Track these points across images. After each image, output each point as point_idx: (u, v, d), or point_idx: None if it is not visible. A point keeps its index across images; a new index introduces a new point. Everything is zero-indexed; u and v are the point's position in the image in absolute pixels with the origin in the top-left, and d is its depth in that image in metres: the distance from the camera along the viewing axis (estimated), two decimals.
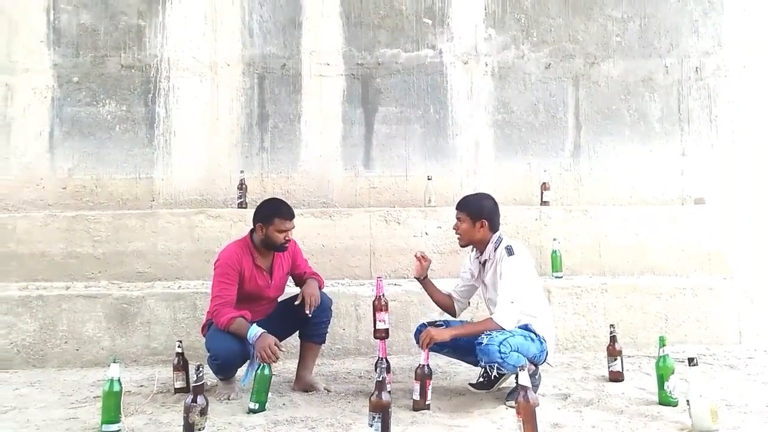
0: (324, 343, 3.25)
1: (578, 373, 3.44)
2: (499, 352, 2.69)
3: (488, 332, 2.77)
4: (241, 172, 4.47)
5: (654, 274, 4.35)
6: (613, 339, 3.24)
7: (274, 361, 2.74)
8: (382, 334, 3.01)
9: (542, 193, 4.59)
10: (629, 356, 3.61)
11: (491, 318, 2.85)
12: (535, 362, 2.91)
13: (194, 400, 2.25)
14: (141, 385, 3.24)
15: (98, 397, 2.63)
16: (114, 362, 2.57)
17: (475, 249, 3.09)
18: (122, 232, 4.22)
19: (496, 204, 3.08)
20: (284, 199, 3.22)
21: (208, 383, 3.13)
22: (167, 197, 4.58)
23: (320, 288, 3.20)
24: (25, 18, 4.62)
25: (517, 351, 2.75)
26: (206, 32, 4.68)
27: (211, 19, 4.68)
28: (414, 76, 4.81)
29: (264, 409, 2.77)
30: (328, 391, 3.12)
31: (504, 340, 2.72)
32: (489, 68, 4.85)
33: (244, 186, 4.42)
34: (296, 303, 3.04)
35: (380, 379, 2.32)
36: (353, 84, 4.78)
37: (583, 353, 3.88)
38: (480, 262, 3.09)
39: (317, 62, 4.74)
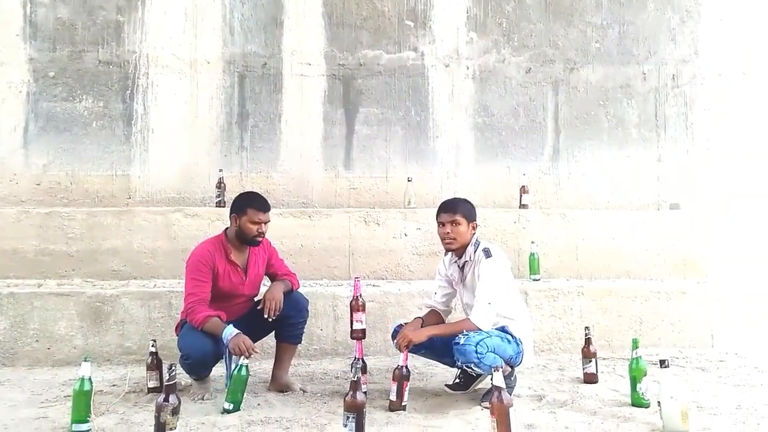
0: (300, 343, 3.24)
1: (553, 374, 3.47)
2: (476, 352, 2.71)
3: (465, 333, 2.78)
4: (220, 170, 4.44)
5: (629, 278, 4.40)
6: (588, 341, 3.27)
7: (248, 356, 2.71)
8: (359, 335, 3.02)
9: (521, 196, 4.62)
10: (604, 358, 3.65)
11: (468, 319, 2.87)
12: (511, 364, 2.93)
13: (166, 399, 2.22)
14: (114, 385, 3.19)
15: (69, 396, 2.59)
16: (85, 361, 2.53)
17: (452, 253, 3.09)
18: (97, 230, 4.15)
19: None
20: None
21: (182, 383, 3.10)
22: (144, 195, 4.52)
23: (295, 288, 3.18)
24: (1, 11, 4.53)
25: (493, 352, 2.77)
26: (186, 29, 4.63)
27: (191, 15, 4.64)
28: (395, 78, 4.81)
29: (239, 410, 2.75)
30: (303, 391, 3.11)
31: (481, 340, 2.74)
32: (470, 71, 4.87)
33: (222, 185, 4.38)
34: (258, 308, 3.00)
35: (355, 379, 2.31)
36: (334, 84, 4.77)
37: (559, 355, 3.92)
38: (458, 266, 3.09)
39: (298, 62, 4.72)
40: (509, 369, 2.93)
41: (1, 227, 4.12)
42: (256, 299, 3.20)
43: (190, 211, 4.26)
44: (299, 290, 3.23)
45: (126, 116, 4.57)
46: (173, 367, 2.30)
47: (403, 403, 2.81)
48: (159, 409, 2.23)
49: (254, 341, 2.85)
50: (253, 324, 3.04)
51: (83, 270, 4.11)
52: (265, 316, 2.94)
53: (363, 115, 4.77)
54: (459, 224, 2.98)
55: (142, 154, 4.55)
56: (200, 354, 2.84)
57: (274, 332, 3.20)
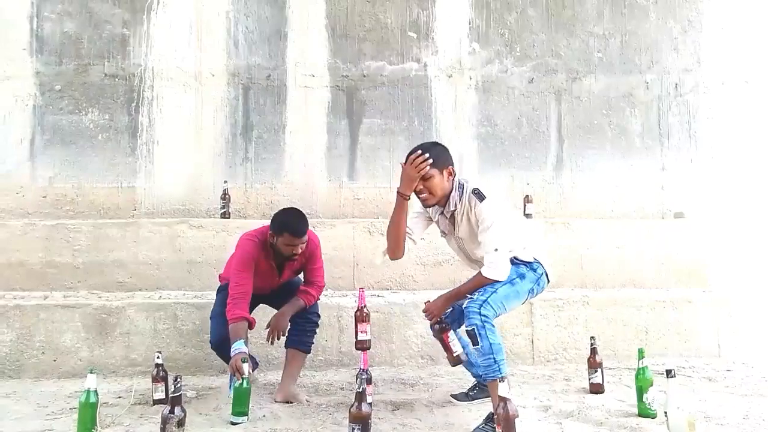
0: (308, 352, 3.26)
1: (559, 385, 3.46)
2: (480, 314, 2.52)
3: (471, 295, 2.62)
4: (225, 182, 4.46)
5: (635, 287, 4.39)
6: (593, 351, 3.26)
7: (239, 378, 2.74)
8: (363, 345, 3.00)
9: (525, 205, 4.62)
10: (610, 368, 3.63)
11: (480, 273, 2.65)
12: (537, 293, 2.78)
13: (171, 411, 2.23)
14: (119, 397, 3.19)
15: (75, 408, 2.59)
16: (91, 373, 2.53)
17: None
18: (103, 242, 4.17)
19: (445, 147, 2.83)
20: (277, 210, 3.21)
21: (187, 395, 3.11)
22: (149, 207, 4.55)
23: (309, 304, 3.22)
24: (8, 25, 4.59)
25: (503, 309, 2.60)
26: (191, 42, 4.68)
27: (196, 29, 4.69)
28: (399, 89, 4.84)
29: (246, 419, 2.76)
30: (309, 402, 3.10)
31: (485, 301, 2.55)
32: (473, 82, 4.89)
33: (227, 196, 4.40)
34: (265, 328, 3.11)
35: (360, 390, 2.31)
36: (338, 96, 4.80)
37: (565, 365, 3.90)
38: (447, 217, 2.82)
39: (302, 73, 4.76)
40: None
41: (8, 239, 4.14)
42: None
43: (195, 222, 4.27)
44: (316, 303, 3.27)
45: (131, 129, 4.61)
46: (179, 379, 2.30)
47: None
48: (164, 421, 2.23)
49: (278, 306, 3.16)
50: (280, 295, 3.24)
51: (89, 282, 4.12)
52: (267, 340, 3.07)
53: (366, 126, 4.80)
54: (431, 177, 2.66)
55: (148, 166, 4.58)
56: (218, 339, 3.04)
57: (284, 340, 3.20)
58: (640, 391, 2.84)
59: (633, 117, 4.93)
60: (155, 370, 3.04)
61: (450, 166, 2.74)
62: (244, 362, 2.76)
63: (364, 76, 4.81)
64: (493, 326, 2.55)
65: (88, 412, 2.49)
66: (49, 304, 3.74)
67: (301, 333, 3.17)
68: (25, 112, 4.53)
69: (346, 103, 4.80)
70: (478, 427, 2.57)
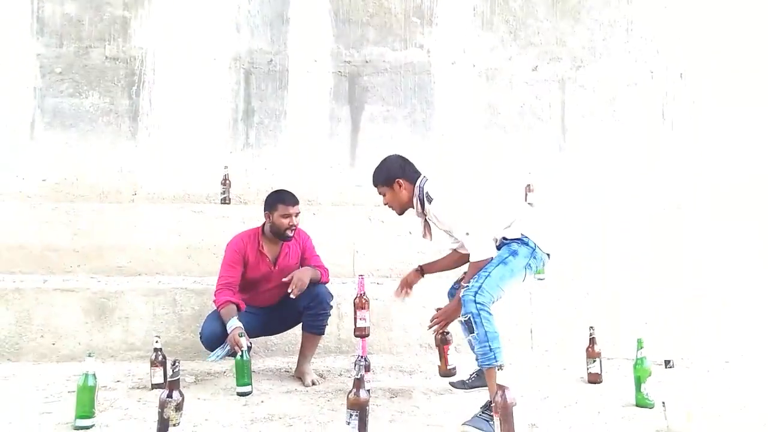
0: (322, 335, 3.30)
1: (558, 374, 3.46)
2: (475, 302, 2.54)
3: (466, 283, 2.65)
4: (225, 167, 4.43)
5: (634, 279, 4.37)
6: (592, 341, 3.26)
7: (240, 350, 2.89)
8: (362, 332, 3.02)
9: (526, 194, 4.59)
10: (608, 358, 3.62)
11: (472, 262, 2.72)
12: (536, 268, 2.77)
13: (170, 395, 2.22)
14: (118, 381, 3.20)
15: (73, 391, 2.59)
16: (89, 356, 2.53)
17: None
18: (102, 226, 4.16)
19: (401, 157, 2.96)
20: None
21: (185, 380, 3.11)
22: (149, 191, 4.53)
23: (323, 281, 3.30)
24: (9, 7, 4.54)
25: (500, 289, 2.60)
26: (193, 25, 4.63)
27: (197, 12, 4.64)
28: (401, 75, 4.80)
29: (251, 390, 2.97)
30: (313, 383, 3.17)
31: (479, 287, 2.56)
32: (476, 69, 4.85)
33: (227, 181, 4.39)
34: (284, 279, 3.13)
35: (358, 376, 2.31)
36: (340, 81, 4.76)
37: (563, 355, 3.89)
38: (420, 217, 2.95)
39: (304, 59, 4.72)
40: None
41: (7, 222, 4.13)
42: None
43: (195, 207, 4.26)
44: (324, 287, 3.29)
45: (132, 112, 4.58)
46: (177, 363, 2.30)
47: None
48: (162, 405, 2.23)
49: (281, 331, 3.41)
50: (281, 314, 3.30)
51: (88, 266, 4.11)
52: (288, 290, 3.07)
53: (368, 113, 4.76)
54: (384, 194, 2.91)
55: (148, 150, 4.56)
56: (209, 333, 3.09)
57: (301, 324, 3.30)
58: (638, 382, 2.84)
59: (637, 107, 4.89)
60: (154, 354, 3.04)
61: (397, 179, 2.86)
62: (241, 336, 2.91)
63: (367, 61, 4.77)
64: (490, 314, 2.56)
65: (87, 396, 2.49)
66: (49, 287, 3.73)
67: (314, 317, 3.23)
68: (25, 94, 4.50)
69: (348, 89, 4.76)
70: (475, 416, 2.56)
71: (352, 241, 4.31)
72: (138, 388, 3.07)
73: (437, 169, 4.67)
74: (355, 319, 3.04)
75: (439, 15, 4.83)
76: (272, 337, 3.74)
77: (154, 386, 3.01)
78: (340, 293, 3.82)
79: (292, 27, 4.71)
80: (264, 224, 3.28)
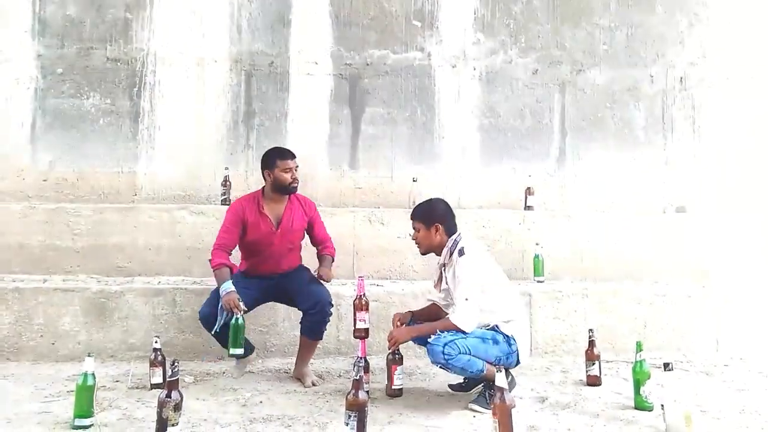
0: (319, 340, 3.32)
1: (557, 376, 3.46)
2: (443, 353, 2.68)
3: (439, 332, 2.76)
4: (226, 168, 4.44)
5: (634, 281, 4.38)
6: (591, 344, 3.26)
7: (238, 312, 2.95)
8: (361, 334, 3.02)
9: (526, 197, 4.61)
10: (608, 361, 3.63)
11: (452, 321, 2.80)
12: (503, 365, 2.82)
13: (168, 395, 2.23)
14: (117, 380, 3.20)
15: (72, 391, 2.60)
16: (89, 356, 2.53)
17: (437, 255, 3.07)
18: (103, 226, 4.17)
19: (448, 206, 3.09)
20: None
21: (185, 380, 3.12)
22: (150, 192, 4.53)
23: (334, 249, 3.47)
24: (11, 7, 4.55)
25: (468, 353, 2.72)
26: (194, 27, 4.64)
27: (199, 14, 4.65)
28: (402, 78, 4.81)
29: (245, 354, 3.13)
30: (313, 384, 3.18)
31: (451, 341, 2.71)
32: (477, 72, 4.86)
33: (228, 182, 4.39)
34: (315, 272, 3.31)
35: (357, 377, 2.31)
36: (341, 84, 4.77)
37: (563, 357, 3.90)
38: (440, 267, 3.07)
39: (305, 61, 4.73)
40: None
41: (8, 222, 4.14)
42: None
43: (195, 208, 4.26)
44: (326, 288, 3.32)
45: (133, 113, 4.58)
46: (176, 364, 2.30)
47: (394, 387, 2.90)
48: (161, 405, 2.23)
49: (281, 302, 3.43)
50: (275, 290, 3.34)
51: (88, 266, 4.12)
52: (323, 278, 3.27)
53: (369, 115, 4.77)
54: (418, 230, 3.03)
55: (149, 152, 4.56)
56: (205, 316, 3.13)
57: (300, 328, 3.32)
58: (638, 384, 2.84)
59: (637, 110, 4.90)
60: (153, 354, 3.05)
61: (437, 224, 2.98)
62: (239, 301, 2.98)
63: (368, 64, 4.78)
64: (455, 356, 2.69)
65: (86, 395, 2.50)
66: (49, 287, 3.74)
67: (314, 323, 3.24)
68: (26, 95, 4.50)
69: (349, 92, 4.77)
70: (480, 395, 2.82)
71: (352, 243, 4.31)
72: (137, 388, 3.07)
73: (438, 171, 4.71)
74: (355, 320, 3.05)
75: (440, 18, 4.85)
76: (271, 338, 3.75)
77: (153, 386, 3.01)
78: (340, 294, 3.84)
79: (293, 29, 4.72)
80: (264, 187, 3.31)
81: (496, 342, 2.84)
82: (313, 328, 3.24)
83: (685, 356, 3.89)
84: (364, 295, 3.05)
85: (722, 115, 4.92)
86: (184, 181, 4.56)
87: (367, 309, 3.05)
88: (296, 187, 3.29)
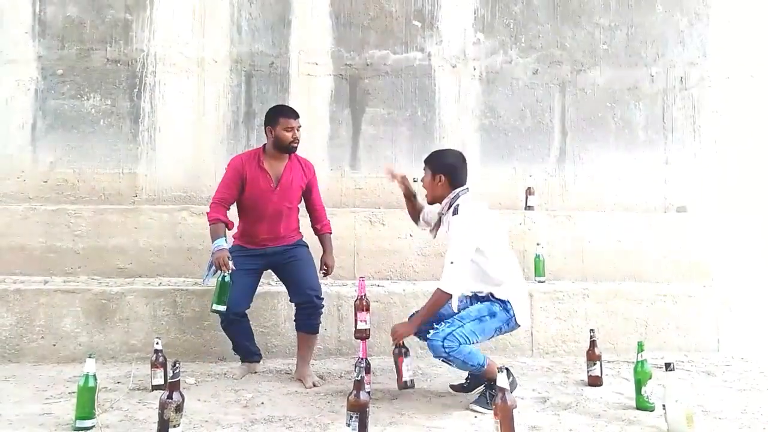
0: (316, 333, 3.33)
1: (558, 377, 3.46)
2: (443, 347, 2.68)
3: (436, 326, 2.76)
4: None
5: (635, 281, 4.38)
6: (592, 344, 3.26)
7: (226, 271, 3.02)
8: (362, 335, 3.02)
9: (527, 197, 4.61)
10: (609, 361, 3.63)
11: (438, 288, 2.80)
12: (505, 332, 2.91)
13: (170, 397, 2.23)
14: (118, 382, 3.20)
15: (74, 392, 2.60)
16: (90, 357, 2.53)
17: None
18: (103, 227, 4.17)
19: (460, 160, 3.04)
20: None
21: (186, 381, 3.11)
22: (150, 193, 4.53)
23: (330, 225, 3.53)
24: (11, 9, 4.56)
25: (468, 343, 2.72)
26: (194, 28, 4.64)
27: (199, 14, 4.65)
28: (402, 78, 4.81)
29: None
30: (314, 385, 3.17)
31: (449, 334, 2.70)
32: (477, 72, 4.86)
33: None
34: (321, 270, 3.38)
35: (359, 378, 2.31)
36: (341, 84, 4.77)
37: (564, 357, 3.90)
38: (439, 214, 3.09)
39: (306, 61, 4.73)
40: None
41: (9, 224, 4.14)
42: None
43: (196, 209, 4.27)
44: (316, 278, 3.34)
45: (133, 114, 4.58)
46: (177, 365, 2.30)
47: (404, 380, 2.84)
48: (163, 406, 2.23)
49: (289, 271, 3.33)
50: (274, 267, 3.39)
51: (89, 267, 4.12)
52: (324, 277, 3.36)
53: (369, 115, 4.77)
54: (426, 175, 3.04)
55: (149, 153, 4.56)
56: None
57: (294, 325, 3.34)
58: (639, 385, 2.84)
59: (637, 110, 4.90)
60: (154, 355, 3.05)
61: (441, 175, 2.97)
62: (229, 259, 3.04)
63: (368, 64, 4.78)
64: (456, 348, 2.69)
65: (87, 397, 2.50)
66: (49, 288, 3.74)
67: (306, 317, 3.26)
68: (27, 96, 4.51)
69: (349, 92, 4.77)
70: (481, 395, 2.80)
71: (352, 244, 4.31)
72: (138, 389, 3.07)
73: None
74: (356, 321, 3.04)
75: (440, 18, 4.84)
76: (273, 339, 3.76)
77: (155, 387, 3.01)
78: (341, 295, 3.84)
79: (293, 30, 4.72)
80: (265, 144, 3.32)
81: (493, 315, 2.83)
82: (306, 321, 3.27)
83: (686, 356, 3.89)
84: (364, 295, 3.04)
85: (723, 114, 4.91)
86: (184, 182, 4.56)
87: (368, 310, 3.05)
88: (296, 147, 3.29)
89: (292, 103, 4.65)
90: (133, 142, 4.56)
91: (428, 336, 2.75)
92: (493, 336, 2.89)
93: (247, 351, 3.40)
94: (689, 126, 4.92)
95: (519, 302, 2.90)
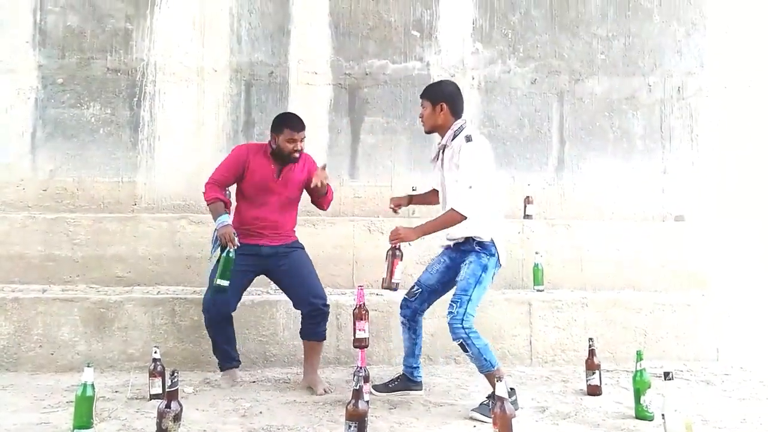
0: (324, 339, 3.30)
1: (557, 386, 3.45)
2: (463, 328, 2.78)
3: (450, 308, 2.83)
4: None
5: (634, 290, 4.38)
6: (591, 353, 3.25)
7: (232, 246, 3.05)
8: (361, 343, 3.01)
9: (525, 206, 4.62)
10: (608, 370, 3.63)
11: (452, 209, 2.87)
12: (494, 275, 2.99)
13: (168, 406, 2.23)
14: (116, 391, 3.19)
15: (72, 402, 2.59)
16: (88, 366, 2.53)
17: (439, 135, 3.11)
18: (102, 236, 4.17)
19: (457, 90, 3.11)
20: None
21: (184, 390, 3.10)
22: (149, 201, 4.54)
23: (329, 197, 3.42)
24: (12, 18, 4.58)
25: (476, 306, 2.83)
26: (194, 38, 4.67)
27: (199, 24, 4.68)
28: (401, 88, 4.83)
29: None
30: (326, 392, 3.17)
31: (465, 313, 2.80)
32: (476, 82, 4.89)
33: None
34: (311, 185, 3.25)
35: (357, 387, 2.31)
36: (340, 93, 4.79)
37: (563, 366, 3.89)
38: (439, 147, 3.09)
39: (305, 71, 4.75)
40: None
41: (7, 232, 4.14)
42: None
43: (195, 218, 4.27)
44: (320, 285, 3.31)
45: (133, 123, 4.60)
46: (175, 374, 2.30)
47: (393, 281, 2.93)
48: (161, 416, 2.23)
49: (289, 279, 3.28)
50: (270, 274, 3.35)
51: (88, 276, 4.12)
52: (313, 182, 3.22)
53: (368, 124, 4.79)
54: (425, 108, 3.07)
55: (149, 161, 4.58)
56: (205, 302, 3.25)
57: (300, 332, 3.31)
58: (638, 394, 2.84)
59: (635, 119, 4.93)
60: (152, 364, 3.04)
61: (443, 103, 3.02)
62: (235, 235, 3.08)
63: (367, 74, 4.80)
64: (475, 331, 2.82)
65: (85, 406, 2.49)
66: (48, 297, 3.74)
67: (313, 324, 3.24)
68: (27, 105, 4.52)
69: (348, 101, 4.79)
70: (482, 404, 2.79)
71: (351, 252, 4.32)
72: (136, 398, 3.06)
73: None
74: (354, 329, 3.04)
75: (438, 28, 4.88)
76: (271, 348, 3.75)
77: (153, 397, 3.00)
78: (340, 304, 3.83)
79: (293, 40, 4.75)
80: (270, 142, 3.33)
81: (485, 268, 2.89)
82: (314, 330, 3.24)
83: (686, 365, 3.88)
84: (363, 304, 3.04)
85: (720, 123, 4.94)
86: (183, 191, 4.57)
87: (366, 318, 3.04)
88: (297, 158, 3.28)
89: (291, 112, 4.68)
90: (132, 150, 4.57)
91: (447, 321, 2.83)
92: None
93: (227, 355, 3.34)
94: (687, 135, 4.94)
95: (501, 241, 2.97)
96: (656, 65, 4.96)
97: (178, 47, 4.66)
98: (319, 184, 3.22)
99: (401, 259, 2.94)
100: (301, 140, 3.27)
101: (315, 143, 4.69)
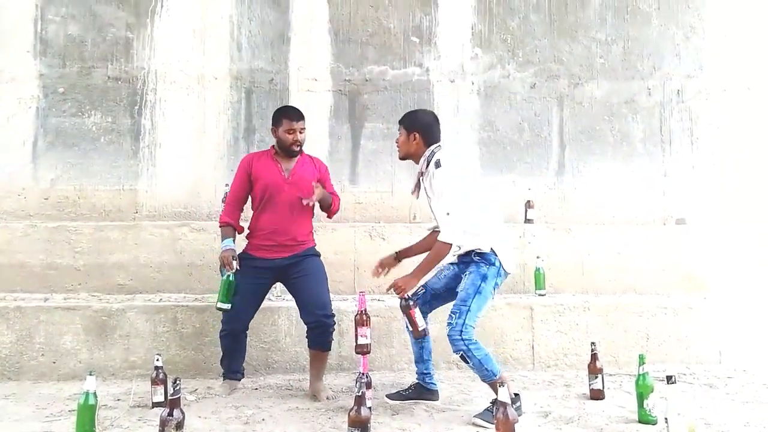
0: (329, 350, 3.30)
1: (559, 390, 3.45)
2: (462, 339, 2.78)
3: (449, 319, 2.84)
4: (226, 185, 4.42)
5: (636, 293, 4.38)
6: (594, 357, 3.25)
7: (230, 270, 3.11)
8: (363, 349, 3.00)
9: (526, 211, 4.62)
10: (610, 374, 3.62)
11: (437, 241, 2.89)
12: (499, 284, 2.97)
13: (170, 414, 2.23)
14: (118, 399, 3.19)
15: (74, 410, 2.59)
16: (90, 375, 2.53)
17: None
18: (104, 244, 4.18)
19: (434, 119, 3.13)
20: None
21: (186, 398, 3.10)
22: (151, 209, 4.55)
23: (334, 208, 3.42)
24: (13, 28, 4.60)
25: (476, 316, 2.82)
26: (194, 46, 4.69)
27: (199, 32, 4.70)
28: (401, 93, 4.84)
29: (232, 307, 3.12)
30: (329, 399, 3.18)
31: (464, 324, 2.80)
32: (475, 87, 4.90)
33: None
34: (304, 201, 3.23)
35: (359, 393, 2.31)
36: (340, 100, 4.80)
37: (565, 371, 3.88)
38: (417, 175, 3.10)
39: (305, 77, 4.77)
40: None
41: (9, 241, 4.15)
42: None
43: (196, 225, 4.28)
44: (328, 297, 3.28)
45: (134, 131, 4.61)
46: (178, 382, 2.30)
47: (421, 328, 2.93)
48: (163, 424, 2.23)
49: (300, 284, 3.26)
50: (284, 280, 3.36)
51: (90, 284, 4.12)
52: (304, 200, 3.21)
53: (368, 130, 4.80)
54: (400, 134, 3.10)
55: (150, 169, 4.59)
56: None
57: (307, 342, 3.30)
58: (641, 398, 2.83)
59: (635, 123, 4.93)
60: (154, 372, 3.03)
61: (415, 132, 3.03)
62: (233, 259, 3.13)
63: (367, 80, 4.81)
64: (475, 342, 2.82)
65: (87, 414, 2.49)
66: (50, 305, 3.74)
67: (317, 336, 3.22)
68: (28, 114, 4.54)
69: (349, 108, 4.81)
70: (486, 410, 2.79)
71: (352, 258, 4.32)
72: (139, 406, 3.06)
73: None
74: (356, 336, 3.03)
75: (437, 34, 4.89)
76: (273, 355, 3.75)
77: (155, 405, 3.00)
78: (341, 310, 3.83)
79: (292, 47, 4.77)
80: (274, 144, 3.36)
81: (485, 278, 2.89)
82: (318, 339, 3.24)
83: (688, 369, 3.87)
84: (365, 310, 3.04)
85: (720, 126, 4.94)
86: (185, 198, 4.58)
87: (368, 324, 3.04)
88: (298, 150, 3.29)
89: None
90: (133, 158, 4.59)
91: (447, 333, 2.84)
92: (494, 295, 2.96)
93: (232, 368, 3.35)
94: (687, 138, 4.94)
95: (503, 249, 2.96)
96: (655, 69, 4.97)
97: (178, 55, 4.68)
98: (311, 203, 3.24)
99: (416, 307, 2.93)
100: (300, 131, 3.28)
101: (316, 150, 4.68)
